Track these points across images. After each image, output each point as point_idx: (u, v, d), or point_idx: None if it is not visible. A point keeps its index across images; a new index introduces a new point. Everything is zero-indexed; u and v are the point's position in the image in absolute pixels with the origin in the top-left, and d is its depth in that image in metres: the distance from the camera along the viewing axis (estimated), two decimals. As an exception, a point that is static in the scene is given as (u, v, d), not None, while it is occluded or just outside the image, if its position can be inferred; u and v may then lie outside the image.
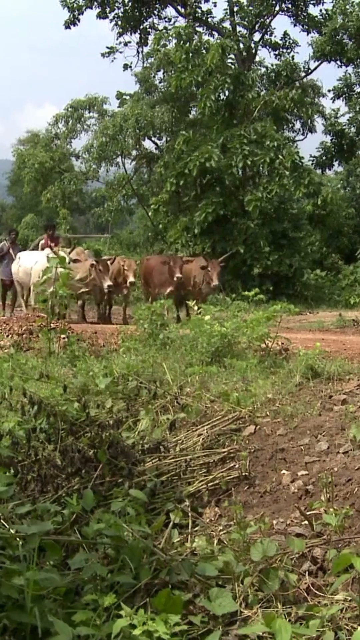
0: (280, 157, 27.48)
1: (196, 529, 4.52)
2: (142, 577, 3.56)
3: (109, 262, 19.11)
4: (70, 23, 33.70)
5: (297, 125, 36.76)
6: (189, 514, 4.64)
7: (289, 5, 33.89)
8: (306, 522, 4.20)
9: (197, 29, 32.43)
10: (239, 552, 3.90)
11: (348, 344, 10.51)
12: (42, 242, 21.16)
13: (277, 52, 35.50)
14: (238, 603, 3.54)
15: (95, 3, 33.61)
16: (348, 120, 36.40)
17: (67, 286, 15.45)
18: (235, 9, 32.99)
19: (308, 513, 4.25)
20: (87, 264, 18.64)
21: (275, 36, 35.36)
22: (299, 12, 34.18)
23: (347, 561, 3.33)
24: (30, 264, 18.58)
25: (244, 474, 5.18)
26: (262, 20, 34.00)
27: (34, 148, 41.28)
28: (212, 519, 4.78)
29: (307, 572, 3.81)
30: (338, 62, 34.69)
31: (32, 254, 19.69)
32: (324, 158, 36.57)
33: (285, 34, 35.23)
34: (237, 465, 5.27)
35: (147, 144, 38.16)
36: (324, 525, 4.12)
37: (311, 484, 4.73)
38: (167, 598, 3.33)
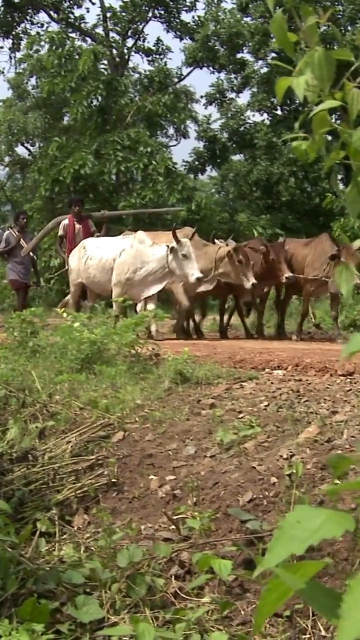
0: (154, 162, 27.61)
1: (64, 537, 4.51)
2: (8, 587, 3.54)
3: (253, 249, 13.67)
4: None
5: (171, 131, 37.08)
6: (57, 523, 4.64)
7: (162, 12, 34.19)
8: (173, 526, 4.24)
9: (70, 34, 32.35)
10: (106, 558, 3.92)
11: (219, 348, 10.64)
12: (65, 222, 15.19)
13: (150, 58, 35.80)
14: (105, 610, 3.56)
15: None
16: (220, 126, 36.87)
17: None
18: (108, 14, 33.06)
19: (175, 517, 4.30)
20: (210, 251, 13.47)
21: (148, 42, 35.69)
22: (172, 19, 34.54)
23: (208, 563, 3.40)
24: (112, 254, 12.95)
25: (112, 480, 5.18)
26: (135, 26, 34.17)
27: None
28: (81, 526, 4.77)
29: (174, 576, 3.86)
30: (210, 69, 35.54)
31: (111, 241, 13.69)
32: (196, 163, 36.91)
33: (159, 40, 35.58)
34: (105, 472, 5.27)
35: (20, 150, 37.94)
36: (191, 529, 4.17)
37: (179, 488, 4.77)
38: (32, 607, 3.33)
